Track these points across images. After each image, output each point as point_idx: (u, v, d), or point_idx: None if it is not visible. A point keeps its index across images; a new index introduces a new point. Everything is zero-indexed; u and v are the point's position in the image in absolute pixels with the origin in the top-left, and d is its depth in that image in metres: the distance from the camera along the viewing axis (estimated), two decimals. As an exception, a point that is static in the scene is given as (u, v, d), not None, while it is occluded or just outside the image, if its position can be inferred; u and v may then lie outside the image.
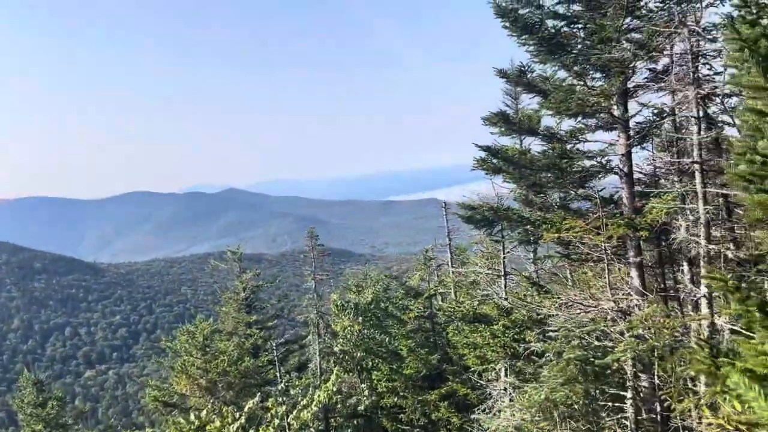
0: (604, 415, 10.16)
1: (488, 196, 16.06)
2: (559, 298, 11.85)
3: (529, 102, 18.50)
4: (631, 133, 13.30)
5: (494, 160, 14.10)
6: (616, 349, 9.95)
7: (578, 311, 11.32)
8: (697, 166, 10.03)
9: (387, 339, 26.72)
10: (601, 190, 14.93)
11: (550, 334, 12.72)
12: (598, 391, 10.27)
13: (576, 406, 9.82)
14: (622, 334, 11.21)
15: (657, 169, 13.54)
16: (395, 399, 25.77)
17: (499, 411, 13.52)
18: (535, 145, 15.91)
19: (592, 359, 10.12)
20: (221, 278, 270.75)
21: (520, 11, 13.05)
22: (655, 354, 9.30)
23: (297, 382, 24.22)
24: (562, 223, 12.62)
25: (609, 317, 11.50)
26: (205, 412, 21.25)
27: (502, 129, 14.46)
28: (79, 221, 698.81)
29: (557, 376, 9.93)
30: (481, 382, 18.33)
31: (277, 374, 29.21)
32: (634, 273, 13.08)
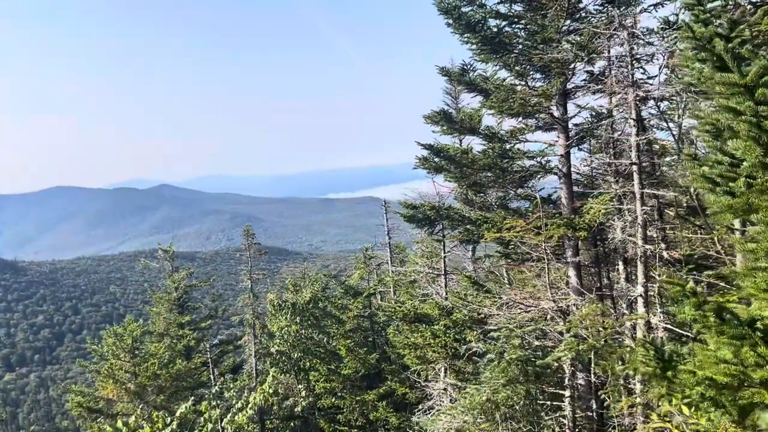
0: (543, 414, 10.19)
1: (429, 195, 15.93)
2: (499, 297, 11.84)
3: (470, 101, 18.59)
4: (571, 134, 13.46)
5: (436, 159, 13.98)
6: (556, 349, 9.98)
7: (519, 311, 11.33)
8: (635, 168, 10.18)
9: (325, 339, 26.29)
10: (540, 190, 15.08)
11: (492, 334, 12.71)
12: (537, 391, 10.28)
13: (517, 407, 9.79)
14: (561, 333, 11.29)
15: (594, 170, 13.77)
16: (333, 400, 25.40)
17: (439, 412, 13.41)
18: (475, 144, 15.92)
19: (533, 359, 10.12)
20: (152, 277, 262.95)
21: (463, 9, 12.96)
22: (593, 353, 9.38)
23: (232, 385, 23.49)
24: (503, 222, 12.63)
25: (549, 317, 11.57)
26: (133, 417, 20.31)
27: (444, 128, 14.36)
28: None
29: (499, 377, 9.87)
30: (420, 381, 18.26)
31: (211, 376, 28.31)
32: (572, 273, 13.25)
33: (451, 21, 13.08)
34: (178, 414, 18.17)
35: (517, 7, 13.68)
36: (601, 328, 9.46)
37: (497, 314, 11.85)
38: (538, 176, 14.36)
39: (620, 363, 9.47)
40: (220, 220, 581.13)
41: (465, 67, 13.64)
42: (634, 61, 9.97)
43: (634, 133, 10.18)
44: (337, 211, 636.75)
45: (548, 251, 11.76)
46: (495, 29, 12.95)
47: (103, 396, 23.99)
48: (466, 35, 13.04)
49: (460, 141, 17.28)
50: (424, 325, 13.37)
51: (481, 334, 11.99)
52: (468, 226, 13.62)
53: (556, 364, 10.32)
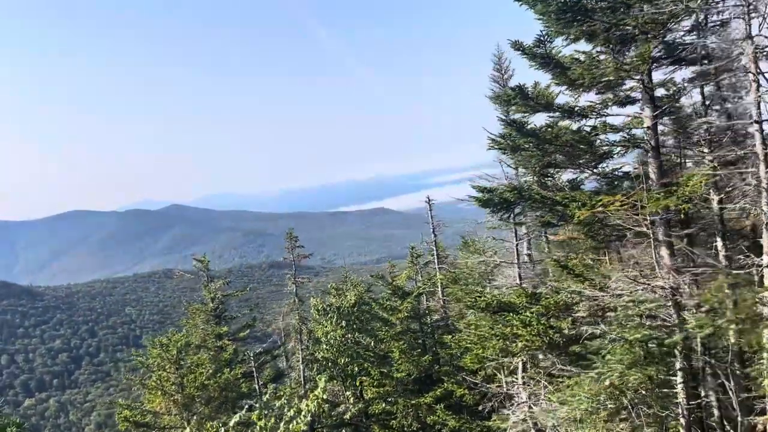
0: (673, 399, 9.35)
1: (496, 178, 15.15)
2: (605, 277, 11.00)
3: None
4: (657, 104, 12.65)
5: (513, 137, 13.24)
6: (686, 326, 9.15)
7: (628, 291, 10.49)
8: (756, 126, 9.37)
9: (373, 342, 25.44)
10: (620, 168, 14.29)
11: (588, 319, 11.86)
12: (662, 375, 9.44)
13: (644, 392, 8.97)
14: (678, 313, 10.44)
15: (683, 142, 12.94)
16: (384, 405, 24.54)
17: (530, 406, 12.56)
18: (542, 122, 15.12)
19: (655, 339, 9.28)
20: (167, 297, 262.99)
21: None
22: (733, 329, 8.55)
23: (281, 392, 22.70)
24: (595, 200, 11.82)
25: (660, 296, 10.72)
26: (188, 430, 19.52)
27: (519, 105, 13.62)
28: (12, 244, 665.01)
29: (623, 359, 9.03)
30: (478, 382, 17.40)
31: (256, 386, 27.51)
32: (665, 252, 12.38)
33: (527, -10, 12.38)
34: (232, 424, 17.37)
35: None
36: (736, 302, 8.63)
37: (598, 296, 11.02)
38: (622, 152, 13.56)
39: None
40: (231, 237, 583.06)
41: (541, 38, 12.91)
42: (751, 12, 9.20)
43: (755, 88, 9.37)
44: (349, 223, 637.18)
45: (652, 227, 10.92)
46: (575, -4, 12.20)
47: (150, 409, 23.22)
48: (542, 3, 12.31)
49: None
50: (511, 314, 12.54)
51: (575, 320, 11.18)
52: (553, 208, 12.83)
53: (681, 345, 9.47)
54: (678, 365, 10.99)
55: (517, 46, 13.25)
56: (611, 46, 12.04)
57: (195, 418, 21.43)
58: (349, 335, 25.44)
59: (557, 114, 13.74)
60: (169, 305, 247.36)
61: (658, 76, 13.12)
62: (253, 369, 26.75)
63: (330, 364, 25.52)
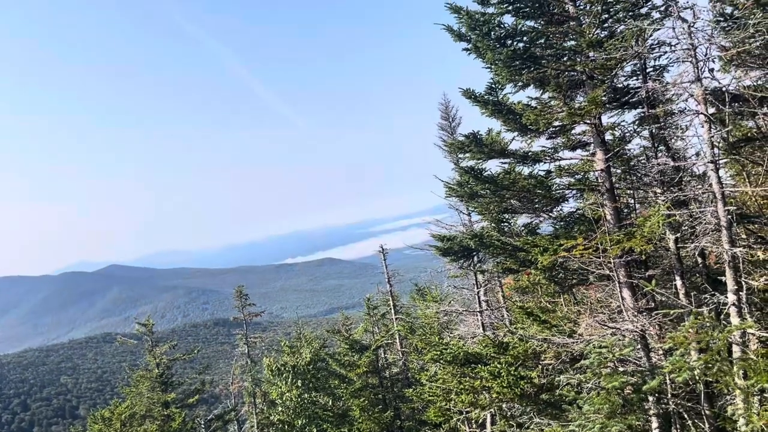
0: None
1: (454, 227, 14.97)
2: (572, 323, 10.80)
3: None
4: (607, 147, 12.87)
5: (470, 184, 13.13)
6: (663, 370, 8.96)
7: (597, 336, 10.30)
8: (711, 166, 9.52)
9: (332, 401, 24.40)
10: (576, 211, 14.37)
11: (558, 366, 11.59)
12: (640, 422, 9.18)
13: (626, 441, 8.66)
14: (647, 356, 10.29)
15: (634, 183, 13.13)
16: (346, 467, 23.35)
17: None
18: (497, 169, 15.17)
19: (632, 385, 9.05)
20: (106, 362, 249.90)
21: (484, 27, 12.45)
22: (706, 370, 8.40)
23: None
24: (555, 245, 11.74)
25: (627, 339, 10.58)
26: None
27: (473, 152, 13.59)
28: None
29: (602, 410, 8.73)
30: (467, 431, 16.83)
31: (209, 457, 25.83)
32: (626, 293, 12.37)
33: (474, 39, 12.52)
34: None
35: (531, 24, 13.32)
36: (709, 342, 8.51)
37: (569, 342, 10.78)
38: (577, 195, 13.66)
39: (743, 377, 8.50)
40: (174, 296, 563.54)
41: (493, 86, 13.03)
42: (697, 57, 9.48)
43: (707, 129, 9.57)
44: (295, 275, 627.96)
45: (617, 269, 10.87)
46: (524, 44, 12.44)
47: (92, 492, 21.34)
48: (492, 52, 12.45)
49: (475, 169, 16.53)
50: (480, 366, 12.12)
51: (557, 364, 10.88)
52: (514, 253, 12.67)
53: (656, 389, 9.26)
54: (652, 410, 10.79)
55: (469, 94, 13.31)
56: (562, 91, 12.23)
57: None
58: (306, 395, 24.36)
59: (511, 160, 13.78)
60: (108, 371, 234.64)
61: (605, 119, 13.43)
62: (204, 438, 25.19)
63: (287, 427, 24.28)
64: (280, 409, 24.12)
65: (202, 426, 24.87)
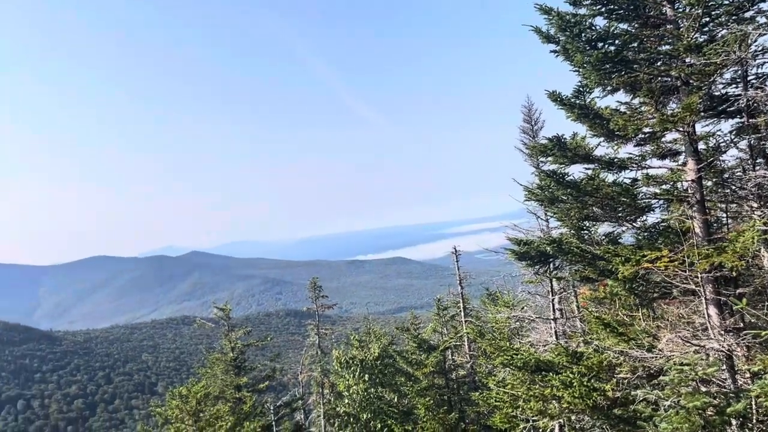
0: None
1: (532, 232, 14.71)
2: (651, 337, 10.40)
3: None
4: (701, 156, 12.26)
5: (550, 189, 12.88)
6: (749, 393, 8.49)
7: (675, 352, 9.87)
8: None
9: (397, 397, 24.56)
10: (662, 222, 13.79)
11: (634, 381, 11.19)
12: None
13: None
14: (734, 377, 9.76)
15: (730, 194, 12.46)
16: (407, 465, 23.41)
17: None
18: (578, 174, 14.78)
19: (714, 406, 8.62)
20: (183, 344, 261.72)
21: (575, 29, 12.18)
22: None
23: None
24: (638, 255, 11.32)
25: (711, 358, 10.07)
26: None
27: (556, 156, 13.32)
28: (35, 288, 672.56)
29: (680, 429, 8.37)
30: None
31: (275, 441, 26.61)
32: (713, 311, 11.76)
33: (565, 38, 12.26)
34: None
35: (624, 26, 12.90)
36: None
37: (647, 357, 10.39)
38: (664, 206, 13.11)
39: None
40: (250, 285, 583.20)
41: (580, 89, 12.72)
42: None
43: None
44: (366, 272, 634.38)
45: (703, 285, 10.37)
46: (615, 47, 12.07)
47: (167, 464, 22.46)
48: (581, 54, 12.15)
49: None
50: (551, 374, 11.89)
51: (633, 379, 10.52)
52: (593, 262, 12.33)
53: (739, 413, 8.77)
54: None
55: (555, 96, 13.05)
56: (654, 96, 11.78)
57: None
58: (372, 390, 24.64)
59: (595, 166, 13.39)
60: (185, 352, 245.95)
61: (699, 128, 12.81)
62: (273, 422, 25.96)
63: (352, 419, 24.66)
64: (346, 401, 24.52)
65: (271, 411, 25.63)
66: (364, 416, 24.40)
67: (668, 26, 12.31)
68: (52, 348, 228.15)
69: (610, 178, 13.51)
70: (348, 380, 24.75)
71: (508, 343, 16.02)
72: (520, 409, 14.19)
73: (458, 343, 24.86)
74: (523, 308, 16.39)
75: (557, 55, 13.31)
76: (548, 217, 16.54)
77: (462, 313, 24.74)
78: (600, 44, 12.51)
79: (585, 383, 11.34)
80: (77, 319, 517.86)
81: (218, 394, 29.64)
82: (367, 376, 24.57)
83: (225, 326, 30.79)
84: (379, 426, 24.42)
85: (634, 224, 13.96)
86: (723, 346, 9.70)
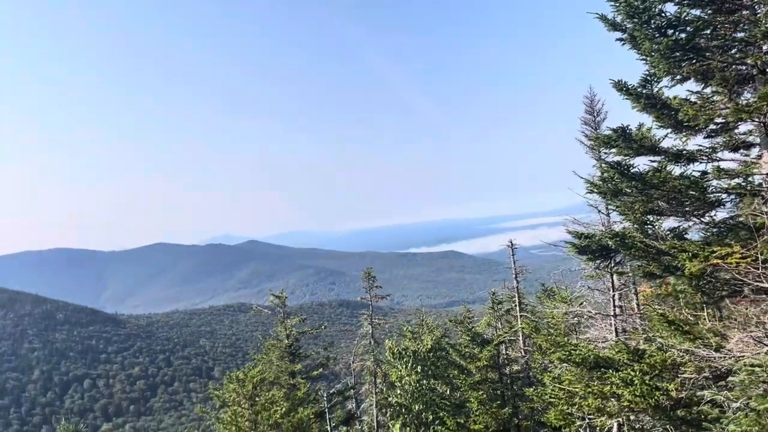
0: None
1: (592, 225, 14.33)
2: (720, 336, 9.98)
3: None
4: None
5: (615, 180, 12.50)
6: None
7: (746, 353, 9.43)
8: None
9: (449, 390, 24.49)
10: (733, 216, 13.18)
11: (699, 381, 10.78)
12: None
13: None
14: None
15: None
16: (459, 458, 23.35)
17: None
18: (643, 166, 14.28)
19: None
20: (239, 330, 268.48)
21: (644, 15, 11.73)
22: None
23: (355, 437, 22.13)
24: (707, 251, 10.86)
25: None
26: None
27: (620, 148, 12.92)
28: (101, 273, 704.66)
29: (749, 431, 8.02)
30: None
31: (327, 427, 27.03)
32: (787, 311, 11.16)
33: (632, 25, 11.85)
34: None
35: (697, 12, 12.33)
36: None
37: (714, 357, 9.99)
38: (736, 200, 12.51)
39: None
40: (304, 275, 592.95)
41: (647, 78, 12.27)
42: None
43: None
44: (418, 265, 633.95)
45: (777, 282, 9.84)
46: (686, 34, 11.57)
47: (224, 445, 23.14)
48: (650, 42, 11.71)
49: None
50: (611, 371, 11.60)
51: (698, 379, 10.14)
52: (657, 257, 11.92)
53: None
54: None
55: (620, 86, 12.62)
56: (728, 85, 11.24)
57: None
58: (425, 381, 24.64)
59: (661, 157, 12.91)
60: (241, 339, 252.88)
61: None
62: (326, 410, 26.38)
63: (404, 410, 24.74)
64: (398, 391, 24.62)
65: (324, 398, 26.03)
66: (416, 407, 24.46)
67: (744, 12, 11.71)
68: (116, 330, 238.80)
69: (677, 170, 12.99)
70: (400, 371, 24.83)
71: (565, 339, 15.71)
72: (577, 406, 13.92)
73: (512, 338, 24.56)
74: (581, 304, 16.03)
75: (623, 44, 12.90)
76: (609, 212, 16.09)
77: (517, 308, 24.41)
78: (670, 31, 12.02)
79: (647, 381, 11.00)
80: (140, 304, 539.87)
81: (273, 379, 30.31)
82: (419, 367, 24.58)
83: (281, 313, 31.41)
84: (430, 417, 24.44)
85: (702, 219, 13.40)
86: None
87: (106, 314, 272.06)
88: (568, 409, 17.26)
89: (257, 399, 23.36)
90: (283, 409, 24.02)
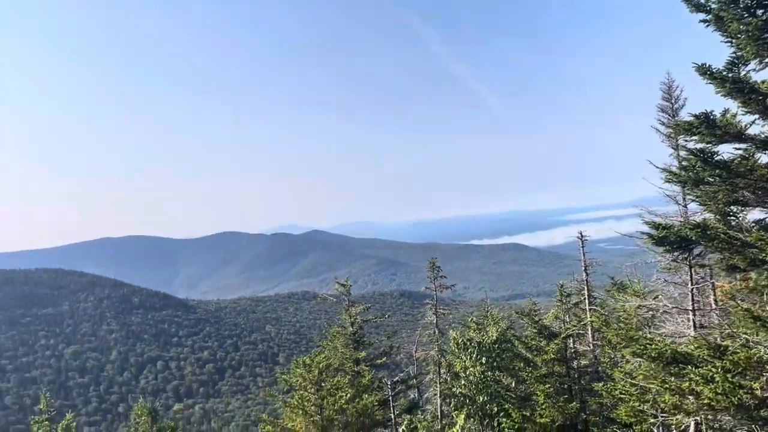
0: None
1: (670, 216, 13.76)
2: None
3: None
4: None
5: (697, 169, 11.95)
6: None
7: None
8: None
9: (514, 382, 24.21)
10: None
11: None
12: None
13: None
14: None
15: None
16: (523, 451, 23.08)
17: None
18: (727, 155, 13.56)
19: None
20: (303, 318, 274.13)
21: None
22: None
23: (417, 424, 22.20)
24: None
25: None
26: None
27: (702, 135, 12.32)
28: (174, 260, 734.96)
29: None
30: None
31: (391, 415, 27.29)
32: None
33: (717, 6, 11.28)
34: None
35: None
36: None
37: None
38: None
39: None
40: (366, 265, 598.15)
41: (734, 61, 11.63)
42: None
43: None
44: (480, 257, 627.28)
45: None
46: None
47: (291, 428, 23.78)
48: (737, 23, 11.11)
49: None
50: (689, 367, 11.15)
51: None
52: (742, 249, 11.33)
53: None
54: None
55: (704, 70, 12.03)
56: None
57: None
58: (489, 373, 24.45)
59: (748, 145, 12.24)
60: (305, 326, 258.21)
61: None
62: (389, 397, 26.60)
63: (468, 401, 24.65)
64: (462, 382, 24.54)
65: (388, 386, 26.25)
66: (481, 398, 24.32)
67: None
68: (187, 315, 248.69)
69: (765, 159, 12.30)
70: (465, 362, 24.72)
71: (638, 334, 15.21)
72: (650, 402, 13.49)
73: (581, 332, 24.00)
74: (656, 297, 15.45)
75: (708, 25, 12.32)
76: (687, 202, 15.43)
77: (586, 301, 23.82)
78: (760, 11, 11.39)
79: (729, 379, 10.52)
80: (209, 290, 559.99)
81: (338, 366, 30.83)
82: (484, 358, 24.41)
83: (345, 301, 31.85)
84: (495, 409, 24.25)
85: (792, 210, 12.67)
86: None
87: (177, 299, 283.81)
88: (640, 405, 16.78)
89: (323, 384, 23.83)
90: (348, 395, 24.41)
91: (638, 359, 13.50)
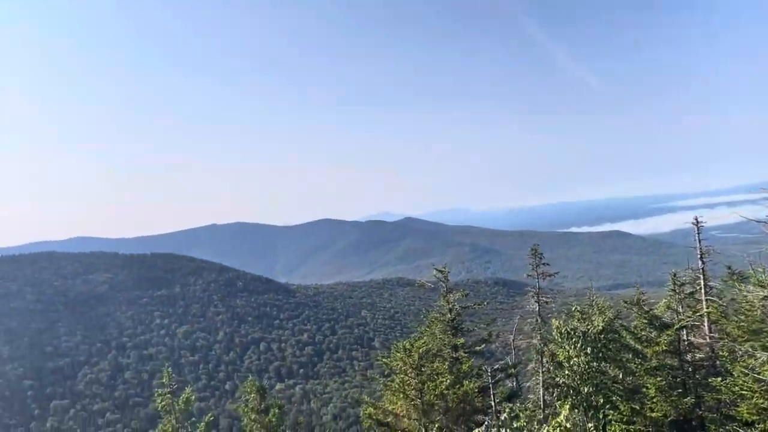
0: None
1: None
2: None
3: None
4: None
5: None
6: None
7: None
8: None
9: (622, 374, 23.24)
10: None
11: None
12: None
13: None
14: None
15: None
16: (632, 445, 22.20)
17: None
18: None
19: None
20: (398, 304, 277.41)
21: None
22: None
23: (522, 414, 21.89)
24: None
25: None
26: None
27: None
28: (274, 246, 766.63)
29: None
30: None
31: (492, 402, 27.08)
32: None
33: None
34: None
35: None
36: None
37: None
38: None
39: None
40: (459, 252, 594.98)
41: None
42: None
43: None
44: (579, 245, 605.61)
45: None
46: None
47: (392, 410, 24.22)
48: None
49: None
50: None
51: None
52: None
53: None
54: None
55: None
56: None
57: (435, 427, 21.72)
58: (594, 363, 23.60)
59: None
60: (399, 312, 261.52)
61: None
62: (490, 385, 26.36)
63: (572, 391, 23.97)
64: (566, 372, 23.87)
65: (489, 374, 26.04)
66: (585, 389, 23.56)
67: None
68: (287, 299, 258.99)
69: None
70: (568, 351, 24.02)
71: (763, 326, 14.17)
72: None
73: (696, 323, 22.63)
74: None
75: None
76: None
77: (702, 291, 22.42)
78: None
79: None
80: (307, 275, 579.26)
81: (436, 352, 30.95)
82: (589, 348, 23.59)
83: (443, 287, 31.84)
84: (601, 401, 23.43)
85: None
86: None
87: (278, 284, 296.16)
88: (764, 402, 15.66)
89: (423, 369, 24.03)
90: (448, 381, 24.47)
91: (764, 353, 12.55)
